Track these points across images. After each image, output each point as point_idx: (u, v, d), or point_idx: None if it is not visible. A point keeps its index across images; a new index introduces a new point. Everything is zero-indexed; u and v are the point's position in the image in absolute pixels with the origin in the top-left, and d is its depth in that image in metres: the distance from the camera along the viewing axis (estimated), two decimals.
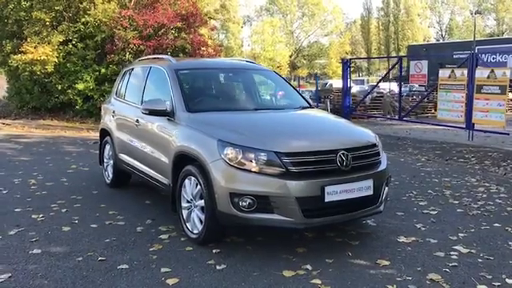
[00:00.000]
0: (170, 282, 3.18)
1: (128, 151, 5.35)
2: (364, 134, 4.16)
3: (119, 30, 13.71)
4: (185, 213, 4.08)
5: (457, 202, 5.22)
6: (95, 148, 9.40)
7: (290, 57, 57.81)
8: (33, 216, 4.75)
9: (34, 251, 3.77)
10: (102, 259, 3.60)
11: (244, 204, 3.46)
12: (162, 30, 14.30)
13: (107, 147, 6.11)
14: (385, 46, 60.03)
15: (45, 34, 14.22)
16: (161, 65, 5.04)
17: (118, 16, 13.77)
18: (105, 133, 6.17)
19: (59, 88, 14.41)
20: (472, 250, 3.67)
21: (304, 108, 4.87)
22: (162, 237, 4.12)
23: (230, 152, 3.55)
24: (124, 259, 3.59)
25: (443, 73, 10.83)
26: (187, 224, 4.04)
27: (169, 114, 4.36)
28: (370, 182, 3.71)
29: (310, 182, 3.45)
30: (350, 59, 15.00)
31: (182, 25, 13.98)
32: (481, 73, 9.88)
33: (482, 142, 9.81)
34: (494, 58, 41.49)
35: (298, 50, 60.12)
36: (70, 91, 14.39)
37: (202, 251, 3.73)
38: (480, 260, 3.49)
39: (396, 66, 17.90)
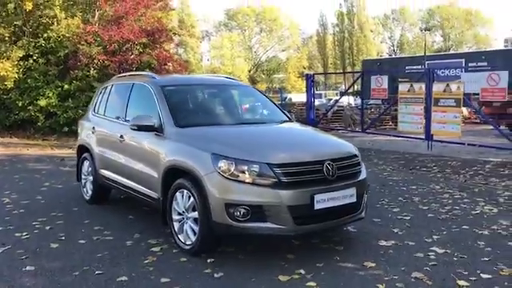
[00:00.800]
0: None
1: (111, 167, 5.40)
2: (345, 145, 4.45)
3: (83, 45, 13.61)
4: (176, 225, 4.20)
5: (426, 207, 5.59)
6: (64, 165, 9.32)
7: (249, 71, 58.48)
8: (16, 234, 4.72)
9: (28, 268, 3.79)
10: (100, 273, 3.67)
11: (239, 214, 3.64)
12: (127, 46, 14.31)
13: (85, 163, 6.11)
14: (340, 60, 61.72)
15: (3, 49, 13.92)
16: (144, 81, 5.16)
17: (82, 31, 13.67)
18: (83, 149, 6.18)
19: (19, 104, 14.08)
20: (447, 250, 3.99)
21: (284, 121, 5.11)
22: (154, 249, 4.22)
23: (223, 164, 3.73)
24: (121, 272, 3.66)
25: (402, 87, 11.43)
26: (179, 236, 4.15)
27: (157, 130, 4.49)
28: (353, 190, 3.98)
29: (300, 191, 3.68)
30: (314, 74, 15.49)
31: (148, 40, 14.04)
32: (437, 87, 10.52)
33: (440, 152, 10.40)
34: (442, 72, 43.81)
35: (256, 64, 60.89)
36: (31, 108, 14.09)
37: (196, 261, 3.86)
38: (455, 258, 3.81)
39: (357, 81, 18.64)
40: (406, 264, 3.70)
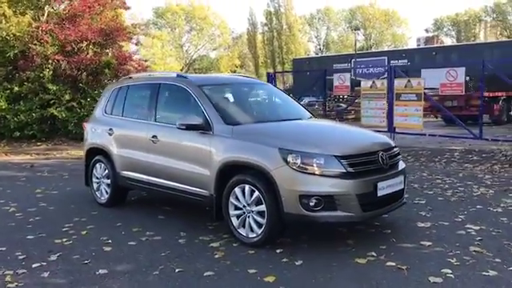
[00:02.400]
0: (270, 279, 3.46)
1: (138, 168, 5.34)
2: (384, 137, 4.82)
3: (35, 44, 12.90)
4: (234, 220, 4.33)
5: (431, 192, 6.16)
6: (40, 171, 8.89)
7: (181, 70, 57.82)
8: (56, 241, 4.57)
9: (101, 272, 3.74)
10: (181, 270, 3.72)
11: (312, 204, 3.87)
12: (81, 45, 13.76)
13: (98, 166, 5.98)
14: (271, 59, 63.02)
15: None
16: (175, 81, 5.19)
17: (34, 30, 12.95)
18: (94, 152, 6.03)
19: None
20: (481, 227, 4.51)
21: (311, 117, 5.39)
22: (213, 245, 4.31)
23: (291, 158, 3.94)
24: (202, 268, 3.74)
25: (365, 83, 12.17)
26: (239, 230, 4.29)
27: (204, 128, 4.57)
28: (401, 178, 4.38)
29: (365, 180, 4.00)
30: (275, 73, 15.87)
31: (105, 39, 13.60)
32: (399, 82, 11.34)
33: (402, 143, 11.21)
34: (367, 70, 46.30)
35: (188, 63, 60.34)
36: None
37: (266, 253, 4.02)
38: (494, 233, 4.33)
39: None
40: (457, 241, 4.15)
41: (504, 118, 18.16)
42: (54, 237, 4.69)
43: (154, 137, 5.10)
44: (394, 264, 3.65)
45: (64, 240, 4.59)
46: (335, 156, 3.96)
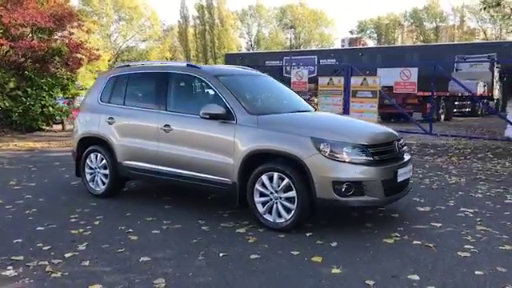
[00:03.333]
0: (317, 259, 3.66)
1: (146, 157, 5.28)
2: (393, 130, 5.20)
3: None
4: (260, 206, 4.48)
5: (411, 181, 6.67)
6: (2, 163, 8.35)
7: (109, 61, 55.62)
8: (72, 231, 4.44)
9: (143, 259, 3.73)
10: (225, 254, 3.81)
11: (343, 190, 4.13)
12: (25, 30, 12.93)
13: (93, 156, 5.80)
14: (203, 53, 62.66)
15: None
16: (189, 71, 5.21)
17: None
18: (90, 141, 5.85)
19: None
20: (475, 210, 5.05)
21: (314, 110, 5.66)
22: (240, 231, 4.42)
23: (324, 147, 4.17)
24: (243, 251, 3.85)
25: (322, 80, 12.70)
26: (265, 216, 4.45)
27: (227, 117, 4.66)
28: (411, 166, 4.79)
29: (388, 167, 4.34)
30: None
31: (56, 25, 12.89)
32: (355, 80, 12.01)
33: None
34: (298, 68, 47.65)
35: (117, 54, 58.20)
36: None
37: (297, 236, 4.21)
38: (488, 215, 4.87)
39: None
40: (462, 222, 4.63)
41: (434, 115, 19.75)
42: (68, 227, 4.55)
43: (166, 126, 5.08)
44: (419, 242, 4.02)
45: (81, 231, 4.47)
46: (363, 145, 4.26)
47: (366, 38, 73.03)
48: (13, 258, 3.70)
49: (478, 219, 4.72)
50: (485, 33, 66.48)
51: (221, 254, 3.82)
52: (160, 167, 5.18)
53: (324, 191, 4.14)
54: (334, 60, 45.51)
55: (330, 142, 4.20)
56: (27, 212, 5.14)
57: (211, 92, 4.94)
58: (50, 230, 4.49)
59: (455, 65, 23.89)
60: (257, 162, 4.49)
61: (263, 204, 4.48)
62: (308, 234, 4.27)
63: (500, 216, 4.83)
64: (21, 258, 3.71)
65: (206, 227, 4.58)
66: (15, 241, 4.15)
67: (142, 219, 4.86)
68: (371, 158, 4.24)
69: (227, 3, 62.20)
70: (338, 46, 67.28)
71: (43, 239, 4.19)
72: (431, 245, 3.95)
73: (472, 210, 5.03)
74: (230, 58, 50.88)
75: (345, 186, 4.14)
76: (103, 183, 5.75)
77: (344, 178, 4.14)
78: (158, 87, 5.36)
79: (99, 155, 5.75)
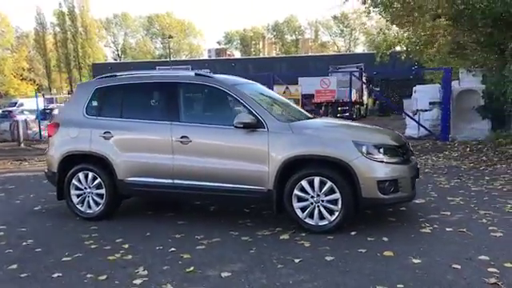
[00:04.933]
0: (389, 254, 3.91)
1: (155, 172, 4.97)
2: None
3: None
4: (299, 211, 4.58)
5: None
6: None
7: None
8: (110, 258, 4.02)
9: (224, 274, 3.59)
10: (299, 260, 3.83)
11: (386, 188, 4.45)
12: None
13: (81, 176, 5.25)
14: (65, 63, 58.40)
15: None
16: (201, 80, 5.07)
17: None
18: (76, 159, 5.27)
19: None
20: (460, 198, 5.79)
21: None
22: (284, 237, 4.47)
23: (365, 149, 4.45)
24: (315, 256, 3.92)
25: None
26: (306, 220, 4.56)
27: (256, 126, 4.66)
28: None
29: (413, 164, 4.80)
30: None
31: None
32: (277, 88, 12.55)
33: None
34: None
35: None
36: None
37: (342, 236, 4.39)
38: (474, 202, 5.64)
39: None
40: (466, 208, 5.28)
41: None
42: (110, 253, 4.12)
43: (183, 137, 4.86)
44: (452, 229, 4.53)
45: (121, 253, 4.09)
46: (395, 146, 4.65)
47: (233, 49, 75.54)
48: None
49: (474, 201, 5.48)
50: (336, 45, 73.83)
51: (296, 260, 3.84)
52: (176, 181, 4.93)
53: (369, 191, 4.41)
54: (208, 70, 46.51)
55: (368, 144, 4.49)
56: (37, 250, 4.46)
57: (232, 101, 4.88)
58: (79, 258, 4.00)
59: (329, 74, 26.25)
60: (293, 168, 4.58)
61: (302, 209, 4.58)
62: (353, 233, 4.49)
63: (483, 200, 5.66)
64: None
65: (246, 237, 4.52)
66: None
67: (170, 237, 4.58)
68: (402, 158, 4.65)
69: (91, 10, 58.69)
70: (206, 56, 68.33)
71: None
72: (463, 230, 4.49)
73: (459, 198, 5.76)
74: (99, 68, 48.49)
75: (387, 185, 4.46)
76: (96, 204, 5.23)
77: (386, 177, 4.46)
78: (167, 98, 5.10)
79: (91, 174, 5.23)
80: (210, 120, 4.86)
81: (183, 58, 65.80)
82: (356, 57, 41.74)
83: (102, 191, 5.20)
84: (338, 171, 4.46)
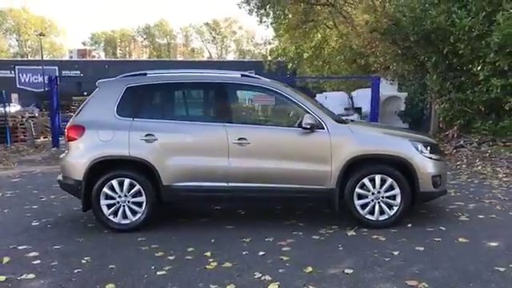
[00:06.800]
0: (463, 240, 4.34)
1: (209, 175, 4.72)
2: None
3: None
4: (359, 208, 4.78)
5: None
6: None
7: None
8: (208, 267, 3.75)
9: (334, 272, 3.63)
10: (394, 253, 4.02)
11: (437, 183, 4.89)
12: None
13: (115, 183, 4.71)
14: None
15: None
16: (253, 82, 5.00)
17: None
18: (109, 165, 4.71)
19: None
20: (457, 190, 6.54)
21: None
22: (351, 233, 4.63)
23: (420, 147, 4.84)
24: (409, 249, 4.14)
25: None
26: (367, 216, 4.78)
27: (317, 127, 4.74)
28: None
29: (445, 161, 5.34)
30: (56, 77, 13.49)
31: None
32: None
33: None
34: (36, 79, 43.24)
35: None
36: None
37: (402, 229, 4.69)
38: (468, 193, 6.43)
39: None
40: (477, 196, 6.01)
41: None
42: (202, 263, 3.80)
43: (241, 139, 4.70)
44: (483, 216, 5.17)
45: (217, 261, 3.83)
46: (436, 144, 5.14)
47: (99, 51, 71.45)
48: None
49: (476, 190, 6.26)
50: (209, 52, 74.79)
51: (395, 253, 4.03)
52: (231, 184, 4.74)
53: (426, 186, 4.79)
54: (79, 72, 43.24)
55: (418, 143, 4.89)
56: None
57: (287, 102, 4.87)
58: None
59: None
60: (354, 166, 4.76)
61: (362, 206, 4.78)
62: (409, 225, 4.83)
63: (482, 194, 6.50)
64: None
65: (317, 236, 4.55)
66: None
67: (241, 241, 4.41)
68: (440, 155, 5.16)
69: None
70: (67, 57, 63.49)
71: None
72: (494, 216, 5.15)
73: (452, 191, 6.50)
74: None
75: (438, 179, 4.90)
76: (133, 214, 4.75)
77: (437, 172, 4.90)
78: (216, 99, 4.87)
79: (127, 181, 4.72)
80: (265, 121, 4.78)
81: (46, 57, 60.15)
82: (246, 64, 42.75)
83: (141, 199, 4.74)
84: (398, 168, 4.76)
